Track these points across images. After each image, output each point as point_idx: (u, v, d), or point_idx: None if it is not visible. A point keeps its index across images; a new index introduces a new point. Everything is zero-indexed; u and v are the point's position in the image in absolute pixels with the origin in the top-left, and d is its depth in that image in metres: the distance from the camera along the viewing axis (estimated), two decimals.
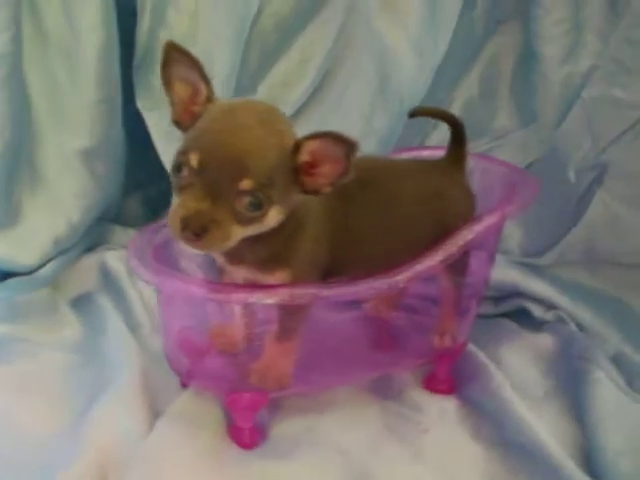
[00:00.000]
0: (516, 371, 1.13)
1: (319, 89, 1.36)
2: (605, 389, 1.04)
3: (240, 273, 0.91)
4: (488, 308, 1.29)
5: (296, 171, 0.81)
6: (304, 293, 0.85)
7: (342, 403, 1.04)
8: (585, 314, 1.25)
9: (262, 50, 1.34)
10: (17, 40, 1.16)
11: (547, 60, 1.28)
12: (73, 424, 0.93)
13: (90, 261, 1.29)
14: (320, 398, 1.04)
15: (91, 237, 1.32)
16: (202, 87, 0.83)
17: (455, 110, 1.36)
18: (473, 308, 1.10)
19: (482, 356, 1.11)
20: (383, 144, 1.31)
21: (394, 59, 1.28)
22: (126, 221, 1.43)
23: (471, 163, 1.09)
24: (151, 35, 1.28)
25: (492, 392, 1.04)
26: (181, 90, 0.83)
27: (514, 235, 1.37)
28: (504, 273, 1.28)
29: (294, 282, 0.87)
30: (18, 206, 1.23)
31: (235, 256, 0.88)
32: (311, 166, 0.81)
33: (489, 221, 0.97)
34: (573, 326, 1.23)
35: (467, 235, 0.95)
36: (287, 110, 1.33)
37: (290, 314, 0.90)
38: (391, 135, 1.31)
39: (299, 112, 1.37)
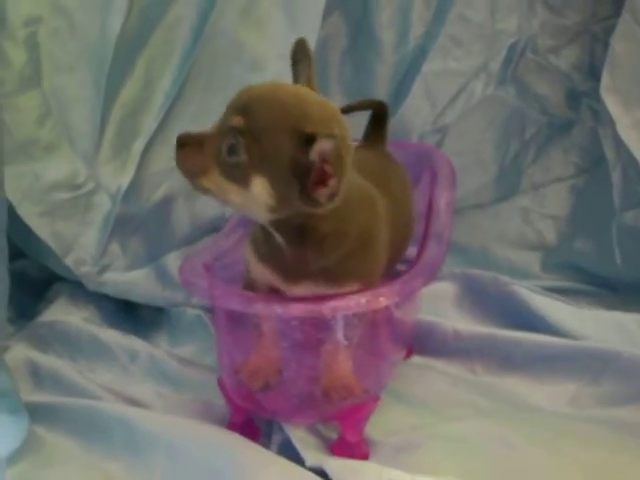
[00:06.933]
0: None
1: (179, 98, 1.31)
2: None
3: (299, 292, 0.87)
4: None
5: (306, 172, 0.76)
6: (391, 292, 0.85)
7: None
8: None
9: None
10: None
11: (384, 45, 1.42)
12: None
13: None
14: None
15: None
16: None
17: None
18: None
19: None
20: None
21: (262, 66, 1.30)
22: None
23: None
24: None
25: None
26: None
27: None
28: None
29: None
30: None
31: (295, 271, 0.85)
32: (324, 174, 0.76)
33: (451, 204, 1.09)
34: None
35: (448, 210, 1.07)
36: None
37: (365, 320, 0.90)
38: None
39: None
